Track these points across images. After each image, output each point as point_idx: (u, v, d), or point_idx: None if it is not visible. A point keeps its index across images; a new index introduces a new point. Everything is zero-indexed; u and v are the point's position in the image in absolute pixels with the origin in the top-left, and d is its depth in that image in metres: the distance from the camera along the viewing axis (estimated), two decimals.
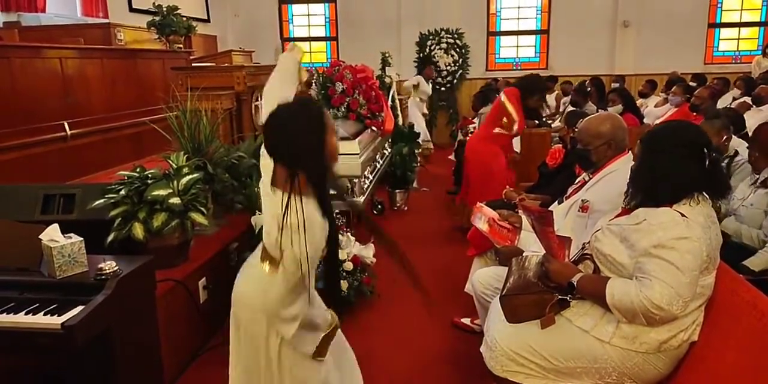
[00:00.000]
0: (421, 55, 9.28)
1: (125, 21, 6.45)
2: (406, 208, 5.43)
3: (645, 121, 5.72)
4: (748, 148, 2.92)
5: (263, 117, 1.63)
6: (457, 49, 9.36)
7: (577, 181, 2.61)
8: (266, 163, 1.62)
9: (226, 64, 5.76)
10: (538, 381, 1.85)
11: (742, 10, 9.25)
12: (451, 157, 6.77)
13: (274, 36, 10.05)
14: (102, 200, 2.38)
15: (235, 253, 3.04)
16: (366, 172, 3.70)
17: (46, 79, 4.18)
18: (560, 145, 3.56)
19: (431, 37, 9.35)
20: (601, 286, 1.76)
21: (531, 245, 2.39)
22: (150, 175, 2.51)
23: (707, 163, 1.74)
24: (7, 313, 1.76)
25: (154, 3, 6.41)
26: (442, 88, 9.38)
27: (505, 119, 3.74)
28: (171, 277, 2.49)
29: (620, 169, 2.26)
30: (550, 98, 8.36)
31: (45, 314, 1.74)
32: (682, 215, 1.70)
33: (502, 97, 3.82)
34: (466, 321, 2.95)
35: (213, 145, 3.11)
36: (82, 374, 1.92)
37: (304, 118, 1.59)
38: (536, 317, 1.87)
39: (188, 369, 2.63)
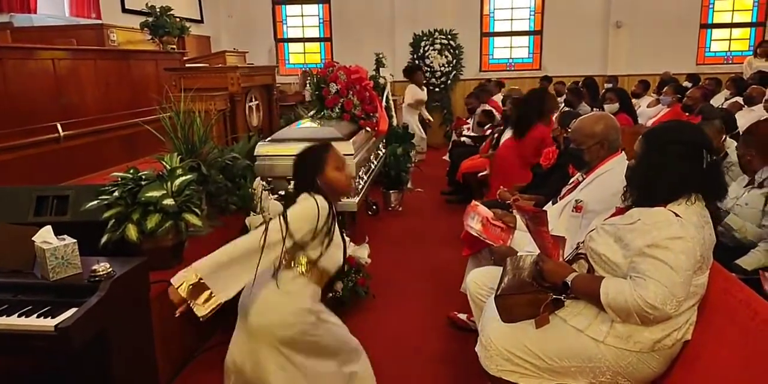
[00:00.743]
0: (413, 58, 9.28)
1: (118, 22, 6.42)
2: (400, 209, 5.44)
3: (638, 120, 5.75)
4: (737, 147, 2.90)
5: None
6: (451, 50, 9.38)
7: (570, 181, 2.62)
8: None
9: (219, 65, 5.74)
10: (533, 380, 1.86)
11: (733, 10, 9.31)
12: (446, 157, 6.78)
13: (267, 37, 10.03)
14: (95, 202, 2.37)
15: None
16: (360, 173, 3.70)
17: (39, 80, 4.16)
18: (554, 146, 3.56)
19: (425, 38, 9.36)
20: (596, 286, 1.77)
21: (525, 245, 2.39)
22: (144, 177, 2.50)
23: (705, 164, 1.75)
24: (0, 316, 1.75)
25: (147, 4, 6.39)
26: (436, 89, 9.39)
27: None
28: (165, 279, 2.46)
29: (614, 169, 2.28)
30: None
31: (38, 316, 1.74)
32: (676, 215, 1.71)
33: None
34: (463, 316, 2.95)
35: (207, 146, 3.10)
36: (77, 376, 1.92)
37: (307, 152, 2.05)
38: (531, 317, 1.87)
39: (183, 371, 2.62)
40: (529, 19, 9.63)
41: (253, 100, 4.58)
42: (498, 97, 7.26)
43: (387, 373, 2.60)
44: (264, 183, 3.23)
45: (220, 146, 3.33)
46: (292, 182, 2.08)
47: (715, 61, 9.40)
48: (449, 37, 9.35)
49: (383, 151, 5.04)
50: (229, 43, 9.12)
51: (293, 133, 3.58)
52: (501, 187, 3.45)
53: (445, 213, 5.33)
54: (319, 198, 1.91)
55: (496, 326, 1.93)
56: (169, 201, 2.41)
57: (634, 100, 7.00)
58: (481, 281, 2.44)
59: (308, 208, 1.87)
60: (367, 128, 4.06)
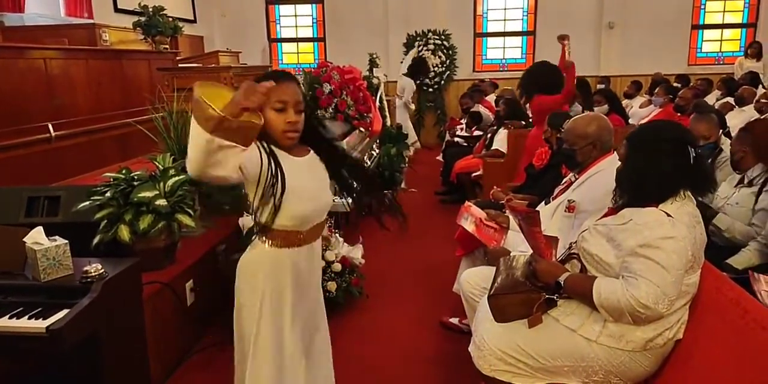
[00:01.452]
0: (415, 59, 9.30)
1: (110, 21, 6.39)
2: None
3: (630, 121, 5.79)
4: (731, 144, 2.91)
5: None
6: (445, 50, 9.39)
7: (563, 181, 2.63)
8: None
9: (213, 65, 5.73)
10: (526, 380, 1.86)
11: (724, 11, 9.38)
12: (439, 157, 6.79)
13: (261, 36, 10.01)
14: (87, 202, 2.36)
15: (223, 254, 3.02)
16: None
17: (30, 80, 4.13)
18: (546, 146, 3.58)
19: (418, 39, 9.37)
20: (588, 286, 1.78)
21: (518, 245, 2.40)
22: (136, 177, 2.49)
23: (691, 159, 1.77)
24: None
25: (139, 3, 6.36)
26: (430, 90, 9.40)
27: None
28: (158, 280, 2.47)
29: (606, 170, 2.29)
30: None
31: (29, 318, 1.72)
32: (668, 215, 1.72)
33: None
34: (455, 321, 2.96)
35: None
36: (68, 378, 1.90)
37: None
38: (524, 316, 1.88)
39: (175, 372, 2.61)
40: (522, 19, 9.66)
41: None
42: (492, 98, 7.28)
43: (380, 373, 2.60)
44: None
45: None
46: None
47: (707, 61, 9.46)
48: (443, 37, 9.37)
49: (377, 151, 5.04)
50: (223, 43, 9.09)
51: None
52: (494, 187, 3.46)
53: (438, 213, 5.34)
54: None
55: (489, 326, 1.93)
56: (161, 201, 2.40)
57: (626, 101, 7.05)
58: (474, 281, 2.44)
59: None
60: (361, 128, 4.05)
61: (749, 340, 1.52)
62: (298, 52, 10.26)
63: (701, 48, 9.47)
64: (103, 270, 1.88)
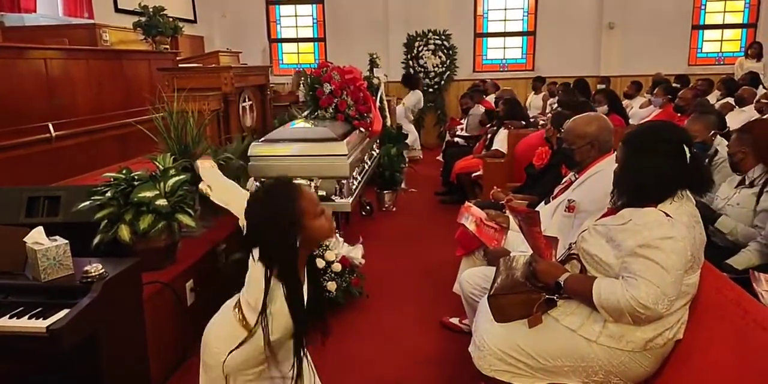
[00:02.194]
0: (407, 58, 9.30)
1: (111, 21, 6.39)
2: (394, 209, 5.44)
3: (630, 121, 5.78)
4: (729, 146, 2.89)
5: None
6: (445, 51, 9.39)
7: (563, 181, 2.63)
8: None
9: (213, 65, 5.72)
10: (527, 380, 1.86)
11: (725, 12, 9.38)
12: (439, 157, 6.79)
13: (261, 37, 10.01)
14: (87, 202, 2.36)
15: (223, 254, 3.03)
16: (354, 173, 3.70)
17: (30, 80, 4.13)
18: (547, 146, 3.58)
19: (419, 39, 9.37)
20: (588, 286, 1.78)
21: (518, 245, 2.40)
22: (136, 177, 2.50)
23: (688, 159, 1.77)
24: None
25: (140, 3, 6.36)
26: (430, 90, 9.40)
27: None
28: (158, 280, 2.47)
29: (606, 170, 2.28)
30: (537, 99, 8.43)
31: (30, 318, 1.73)
32: (667, 215, 1.72)
33: None
34: (455, 321, 2.96)
35: (200, 147, 3.09)
36: (68, 378, 1.90)
37: (274, 207, 1.53)
38: (524, 317, 1.88)
39: (176, 372, 2.61)
40: (523, 19, 9.66)
41: (247, 100, 4.56)
42: (491, 98, 7.28)
43: (380, 373, 2.60)
44: (257, 183, 3.22)
45: (213, 146, 3.32)
46: (257, 251, 1.57)
47: (707, 61, 9.46)
48: (443, 37, 9.37)
49: (377, 151, 5.04)
50: (223, 43, 9.10)
51: (287, 134, 3.57)
52: (494, 187, 3.46)
53: (438, 213, 5.34)
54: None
55: (490, 326, 1.93)
56: (162, 201, 2.40)
57: (626, 101, 7.05)
58: (474, 281, 2.44)
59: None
60: (361, 128, 4.05)
61: (749, 341, 1.52)
62: (298, 53, 10.26)
63: (701, 48, 9.48)
64: (103, 270, 1.88)
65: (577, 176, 2.47)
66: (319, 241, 1.64)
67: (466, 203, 3.00)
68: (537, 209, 2.42)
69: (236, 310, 1.64)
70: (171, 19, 6.45)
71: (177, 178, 2.54)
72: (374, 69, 6.80)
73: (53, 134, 4.03)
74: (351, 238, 3.44)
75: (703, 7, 9.32)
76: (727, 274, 2.22)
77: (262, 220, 1.55)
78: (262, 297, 1.52)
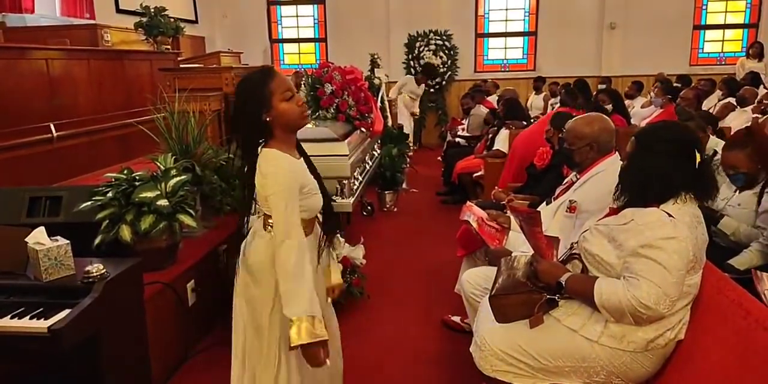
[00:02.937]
0: (408, 58, 9.28)
1: (112, 22, 6.40)
2: (395, 210, 5.44)
3: (632, 121, 5.78)
4: (727, 149, 2.85)
5: None
6: (446, 51, 9.39)
7: (564, 181, 2.63)
8: None
9: (214, 66, 5.73)
10: (528, 380, 1.86)
11: (726, 12, 9.37)
12: (440, 158, 6.79)
13: (262, 37, 10.02)
14: (89, 203, 2.36)
15: (224, 255, 3.03)
16: (355, 174, 3.70)
17: (32, 80, 4.14)
18: (548, 146, 3.58)
19: (420, 39, 9.38)
20: (590, 286, 1.78)
21: (520, 245, 2.40)
22: (137, 177, 2.50)
23: (697, 162, 1.77)
24: None
25: (141, 4, 6.37)
26: (431, 90, 9.40)
27: None
28: (159, 280, 2.47)
29: (607, 170, 2.29)
30: (538, 99, 8.43)
31: (31, 318, 1.73)
32: (669, 215, 1.72)
33: None
34: (456, 319, 2.96)
35: (201, 147, 3.09)
36: (69, 378, 1.91)
37: (246, 85, 1.71)
38: (525, 317, 1.87)
39: (177, 373, 2.61)
40: (524, 20, 9.66)
41: None
42: (493, 98, 7.28)
43: (382, 373, 2.60)
44: None
45: (214, 147, 3.32)
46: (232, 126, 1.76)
47: (709, 61, 9.45)
48: (444, 37, 9.37)
49: (378, 151, 5.04)
50: (224, 44, 9.11)
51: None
52: (496, 187, 3.46)
53: (440, 213, 5.34)
54: (273, 156, 1.65)
55: (491, 326, 1.93)
56: (163, 202, 2.40)
57: (627, 101, 7.04)
58: (475, 281, 2.44)
59: (274, 177, 1.63)
60: (362, 129, 4.05)
61: (751, 341, 1.52)
62: (299, 53, 10.27)
63: (703, 48, 9.47)
64: (104, 270, 1.88)
65: (578, 177, 2.47)
66: (291, 125, 1.70)
67: (468, 203, 3.00)
68: (538, 209, 2.42)
69: (268, 228, 1.72)
70: (172, 20, 6.47)
71: (178, 178, 2.54)
72: (375, 69, 6.80)
73: (54, 134, 4.03)
74: (352, 238, 3.43)
75: (704, 7, 9.32)
76: (729, 274, 2.22)
77: (237, 98, 1.72)
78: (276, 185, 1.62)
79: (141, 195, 2.38)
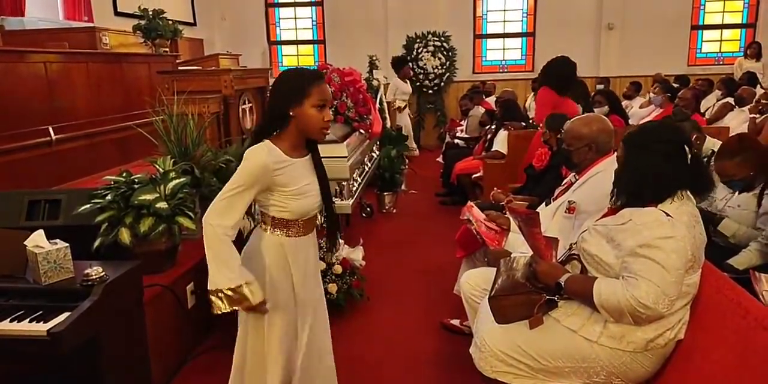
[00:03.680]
0: (411, 59, 9.25)
1: (110, 25, 6.40)
2: (395, 211, 5.44)
3: (630, 122, 5.78)
4: (718, 159, 2.78)
5: None
6: (444, 52, 9.40)
7: (563, 182, 2.63)
8: None
9: (213, 68, 5.74)
10: (528, 381, 1.86)
11: (724, 12, 9.39)
12: (439, 159, 6.80)
13: (261, 39, 10.03)
14: (88, 205, 2.36)
15: None
16: (354, 175, 3.70)
17: (30, 83, 4.13)
18: (546, 148, 3.58)
19: (418, 40, 9.38)
20: (589, 286, 1.78)
21: (519, 246, 2.40)
22: (136, 180, 2.50)
23: (689, 159, 1.77)
24: None
25: (139, 7, 6.36)
26: (430, 91, 9.41)
27: None
28: (158, 283, 2.47)
29: (606, 170, 2.28)
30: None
31: (31, 321, 1.73)
32: (667, 215, 1.72)
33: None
34: (456, 322, 2.96)
35: (200, 149, 3.09)
36: (69, 380, 1.90)
37: (291, 76, 1.75)
38: (525, 318, 1.88)
39: (177, 375, 2.61)
40: (522, 21, 9.68)
41: (247, 102, 4.57)
42: (491, 99, 7.29)
43: (381, 375, 2.60)
44: None
45: (213, 149, 3.32)
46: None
47: (707, 62, 9.46)
48: (442, 39, 9.37)
49: (377, 153, 5.04)
50: (223, 46, 9.11)
51: None
52: (495, 188, 3.46)
53: (439, 215, 5.34)
54: (261, 147, 1.71)
55: (490, 327, 1.93)
56: (162, 204, 2.40)
57: (626, 102, 7.05)
58: (474, 282, 2.44)
59: (245, 162, 1.71)
60: (361, 130, 4.05)
61: (750, 341, 1.52)
62: (298, 55, 10.27)
63: (701, 48, 9.48)
64: (103, 273, 1.88)
65: (577, 177, 2.47)
66: (307, 131, 1.75)
67: (469, 203, 3.00)
68: (537, 210, 2.42)
69: (261, 224, 1.86)
70: (170, 22, 6.46)
71: (177, 180, 2.54)
72: (374, 71, 6.81)
73: (53, 137, 4.03)
74: (351, 239, 3.43)
75: (702, 8, 9.33)
76: (728, 274, 2.22)
77: (276, 84, 1.76)
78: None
79: (140, 198, 2.38)
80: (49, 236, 1.90)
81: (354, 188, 3.66)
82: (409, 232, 4.82)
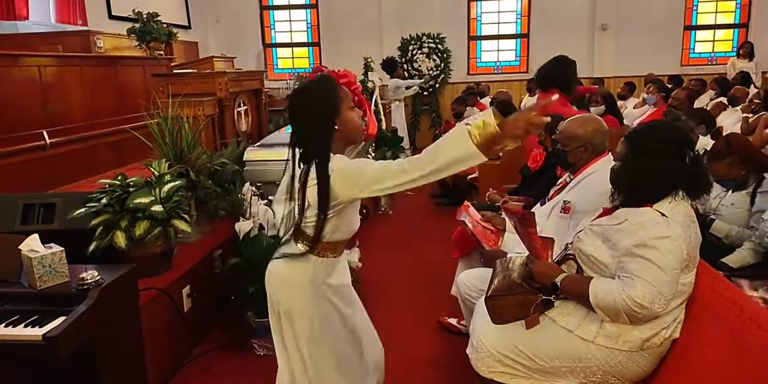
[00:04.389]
0: (401, 61, 9.28)
1: (104, 28, 6.39)
2: (390, 213, 5.45)
3: (624, 122, 5.80)
4: (708, 161, 2.80)
5: None
6: (439, 54, 9.42)
7: (558, 182, 2.64)
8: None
9: (207, 71, 5.73)
10: (524, 381, 1.86)
11: (716, 12, 9.43)
12: None
13: (255, 42, 10.02)
14: (83, 209, 2.36)
15: (219, 260, 3.02)
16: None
17: (25, 87, 4.12)
18: (541, 148, 3.58)
19: (413, 42, 9.40)
20: (584, 286, 1.78)
21: (515, 247, 2.41)
22: (132, 183, 2.49)
23: (688, 160, 1.78)
24: None
25: (134, 10, 6.36)
26: (425, 93, 9.42)
27: None
28: (154, 286, 2.46)
29: (600, 170, 2.29)
30: (532, 100, 8.44)
31: (26, 326, 1.72)
32: (663, 215, 1.73)
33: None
34: (453, 321, 2.96)
35: (195, 152, 3.09)
36: None
37: (316, 91, 1.69)
38: (521, 318, 1.88)
39: (173, 378, 2.60)
40: (516, 22, 9.70)
41: (242, 105, 4.57)
42: (486, 100, 7.30)
43: None
44: (253, 188, 3.22)
45: (208, 152, 3.32)
46: (293, 134, 1.69)
47: (700, 62, 9.51)
48: (437, 40, 9.40)
49: (372, 154, 5.04)
50: (217, 49, 9.10)
51: (282, 138, 3.57)
52: (490, 189, 3.47)
53: (434, 216, 5.35)
54: (340, 157, 1.62)
55: (487, 328, 1.93)
56: (157, 207, 2.39)
57: (620, 102, 7.07)
58: (471, 283, 2.45)
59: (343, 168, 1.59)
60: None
61: (745, 339, 1.53)
62: (293, 57, 10.27)
63: (694, 49, 9.52)
64: (99, 277, 1.88)
65: (572, 177, 2.48)
66: (352, 137, 1.72)
67: (465, 203, 3.00)
68: (533, 210, 2.43)
69: (298, 242, 1.72)
70: (165, 25, 6.46)
71: (172, 183, 2.54)
72: (369, 73, 6.82)
73: (48, 141, 4.02)
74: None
75: (694, 8, 9.38)
76: (723, 272, 2.23)
77: (304, 103, 1.67)
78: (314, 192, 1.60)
79: (135, 201, 2.38)
80: (44, 240, 1.90)
81: None
82: (405, 233, 4.83)
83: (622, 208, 1.85)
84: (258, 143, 3.56)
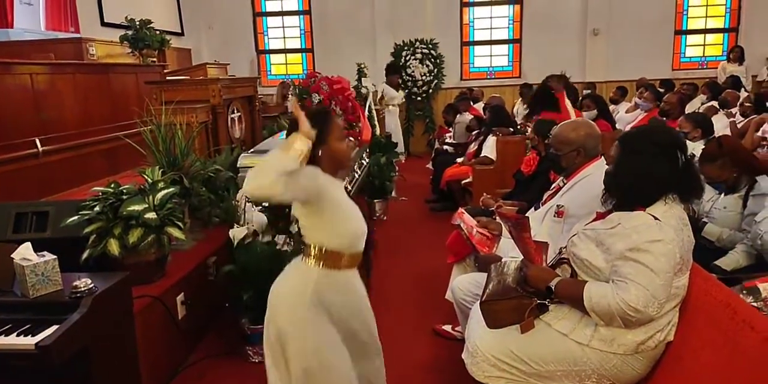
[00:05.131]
0: (392, 62, 9.33)
1: (97, 35, 6.39)
2: (385, 218, 5.45)
3: (617, 126, 5.84)
4: (700, 163, 2.79)
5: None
6: (432, 59, 9.46)
7: (552, 186, 2.65)
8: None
9: (201, 77, 5.73)
10: None
11: (707, 17, 9.52)
12: (429, 165, 6.81)
13: (249, 48, 10.03)
14: (76, 217, 2.35)
15: (213, 267, 3.01)
16: (345, 183, 3.70)
17: (17, 95, 4.11)
18: (534, 153, 3.60)
19: (406, 48, 9.44)
20: (579, 290, 1.79)
21: (509, 251, 2.41)
22: (125, 191, 2.48)
23: (680, 163, 1.79)
24: None
25: (126, 17, 6.36)
26: (418, 98, 9.45)
27: None
28: (148, 294, 2.45)
29: (594, 174, 2.31)
30: (524, 106, 8.49)
31: (18, 335, 1.71)
32: (655, 218, 1.74)
33: None
34: (447, 328, 2.96)
35: (189, 159, 3.09)
36: None
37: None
38: (516, 322, 1.88)
39: None
40: (508, 27, 9.76)
41: (235, 111, 4.57)
42: (479, 106, 7.33)
43: None
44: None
45: (202, 159, 3.31)
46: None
47: (691, 66, 9.59)
48: (430, 46, 9.44)
49: (367, 160, 5.04)
50: (210, 56, 9.11)
51: (276, 144, 3.57)
52: (484, 194, 3.48)
53: (429, 221, 5.35)
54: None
55: (482, 332, 1.94)
56: (151, 215, 2.39)
57: (612, 106, 7.12)
58: (465, 288, 2.45)
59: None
60: (351, 138, 4.06)
61: (739, 341, 1.54)
62: (286, 63, 10.28)
63: (685, 53, 9.61)
64: (92, 285, 1.87)
65: (565, 181, 2.49)
66: (339, 162, 1.80)
67: (460, 209, 3.01)
68: (526, 215, 2.44)
69: (303, 257, 1.78)
70: (158, 32, 6.46)
71: (166, 191, 2.53)
72: (362, 78, 6.84)
73: (40, 149, 4.00)
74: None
75: (685, 13, 9.47)
76: (716, 275, 2.24)
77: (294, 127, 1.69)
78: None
79: (129, 208, 2.37)
80: (37, 248, 1.89)
81: None
82: (399, 238, 4.83)
83: (616, 212, 1.86)
84: (252, 150, 3.56)
